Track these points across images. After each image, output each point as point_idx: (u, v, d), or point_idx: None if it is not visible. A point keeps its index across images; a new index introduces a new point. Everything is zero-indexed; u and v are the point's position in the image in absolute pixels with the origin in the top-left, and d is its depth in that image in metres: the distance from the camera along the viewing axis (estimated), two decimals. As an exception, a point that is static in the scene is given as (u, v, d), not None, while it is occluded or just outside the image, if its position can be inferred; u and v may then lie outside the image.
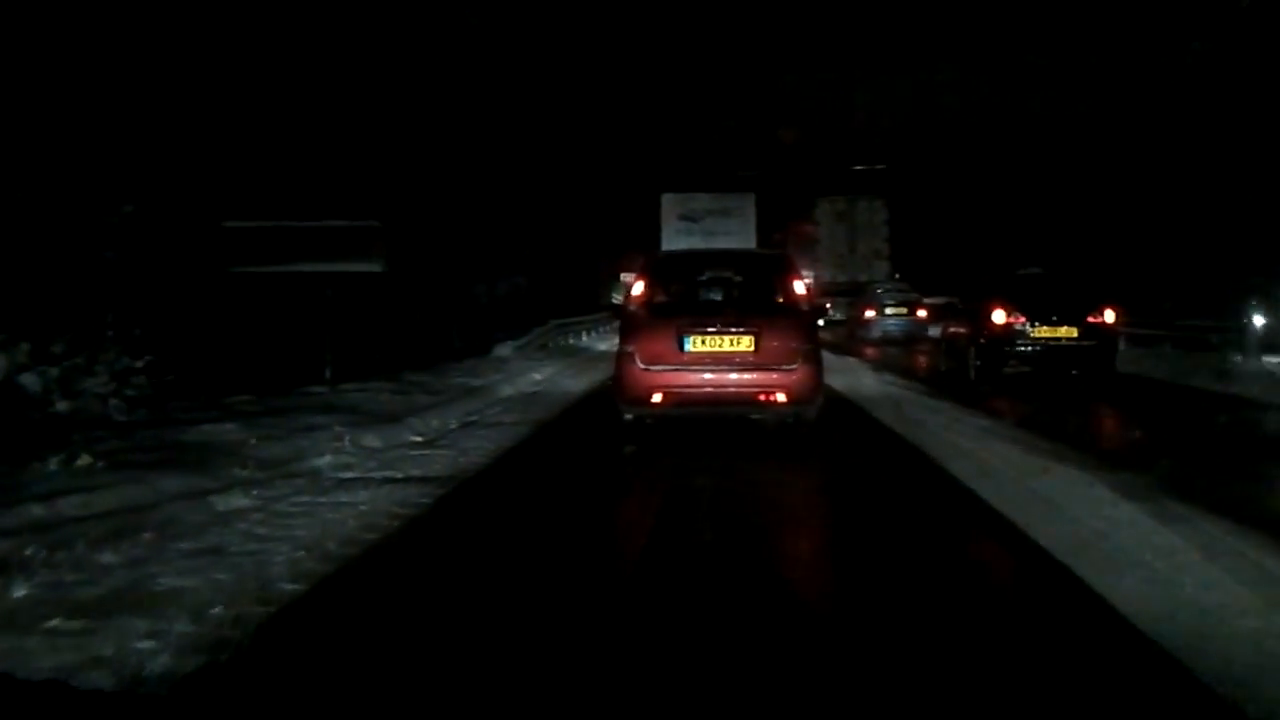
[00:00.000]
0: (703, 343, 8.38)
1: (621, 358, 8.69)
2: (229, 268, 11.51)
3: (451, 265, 20.20)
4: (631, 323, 8.86)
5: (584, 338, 25.63)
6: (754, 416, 8.89)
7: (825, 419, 9.03)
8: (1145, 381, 14.68)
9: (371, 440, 8.71)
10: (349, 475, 7.49)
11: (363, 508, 6.41)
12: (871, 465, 8.26)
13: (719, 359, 8.37)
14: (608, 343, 27.30)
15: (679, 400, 8.44)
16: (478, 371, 14.58)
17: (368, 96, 14.19)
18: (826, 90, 34.21)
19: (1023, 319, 13.87)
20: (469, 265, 24.43)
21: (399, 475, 7.53)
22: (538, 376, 15.13)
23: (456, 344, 20.17)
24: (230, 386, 11.11)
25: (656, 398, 8.41)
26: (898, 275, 30.19)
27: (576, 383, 15.02)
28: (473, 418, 10.74)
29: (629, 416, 8.74)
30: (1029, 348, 13.88)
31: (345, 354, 13.37)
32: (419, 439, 9.17)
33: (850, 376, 15.31)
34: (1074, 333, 13.75)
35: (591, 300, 38.08)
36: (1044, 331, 13.83)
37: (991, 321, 14.05)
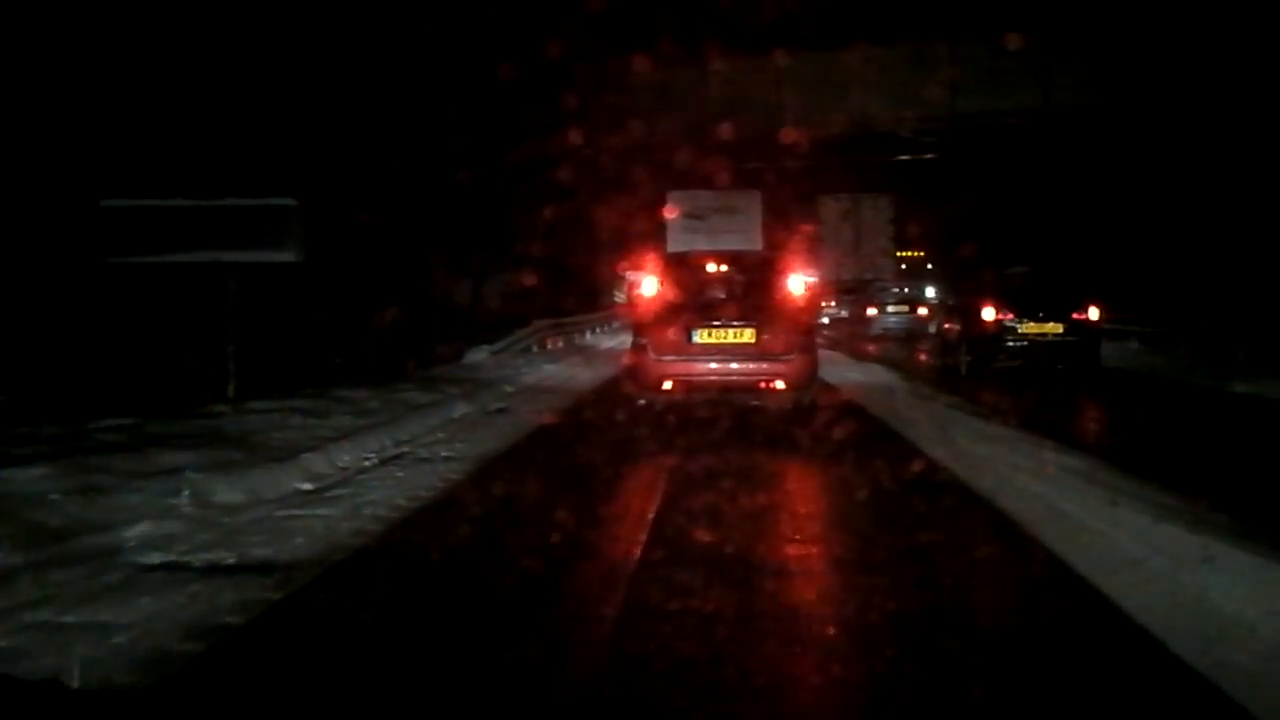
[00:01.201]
0: (709, 335, 8.78)
1: (636, 349, 9.14)
2: (107, 257, 8.80)
3: (417, 258, 17.46)
4: (644, 318, 9.20)
5: (576, 339, 22.79)
6: (753, 403, 9.08)
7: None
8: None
9: (230, 492, 5.98)
10: (154, 560, 4.77)
11: (119, 640, 3.69)
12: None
13: (724, 350, 8.78)
14: (607, 343, 24.71)
15: (688, 387, 8.89)
16: (436, 383, 11.83)
17: (287, 43, 11.29)
18: (828, 84, 31.64)
19: (1011, 316, 13.99)
20: (451, 260, 21.71)
21: (231, 559, 4.80)
22: (509, 389, 12.35)
23: (435, 348, 17.52)
24: (109, 406, 8.45)
25: (667, 384, 8.85)
26: (930, 267, 26.99)
27: (556, 396, 12.29)
28: (402, 448, 8.00)
29: (642, 402, 9.15)
30: (1017, 344, 13.97)
31: (265, 364, 10.70)
32: (308, 486, 6.43)
33: (861, 373, 14.49)
34: (1059, 329, 13.85)
35: (592, 299, 35.34)
36: (1031, 328, 13.92)
37: (981, 319, 14.18)
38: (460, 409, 10.14)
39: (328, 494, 6.26)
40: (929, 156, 30.43)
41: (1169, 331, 17.07)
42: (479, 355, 15.12)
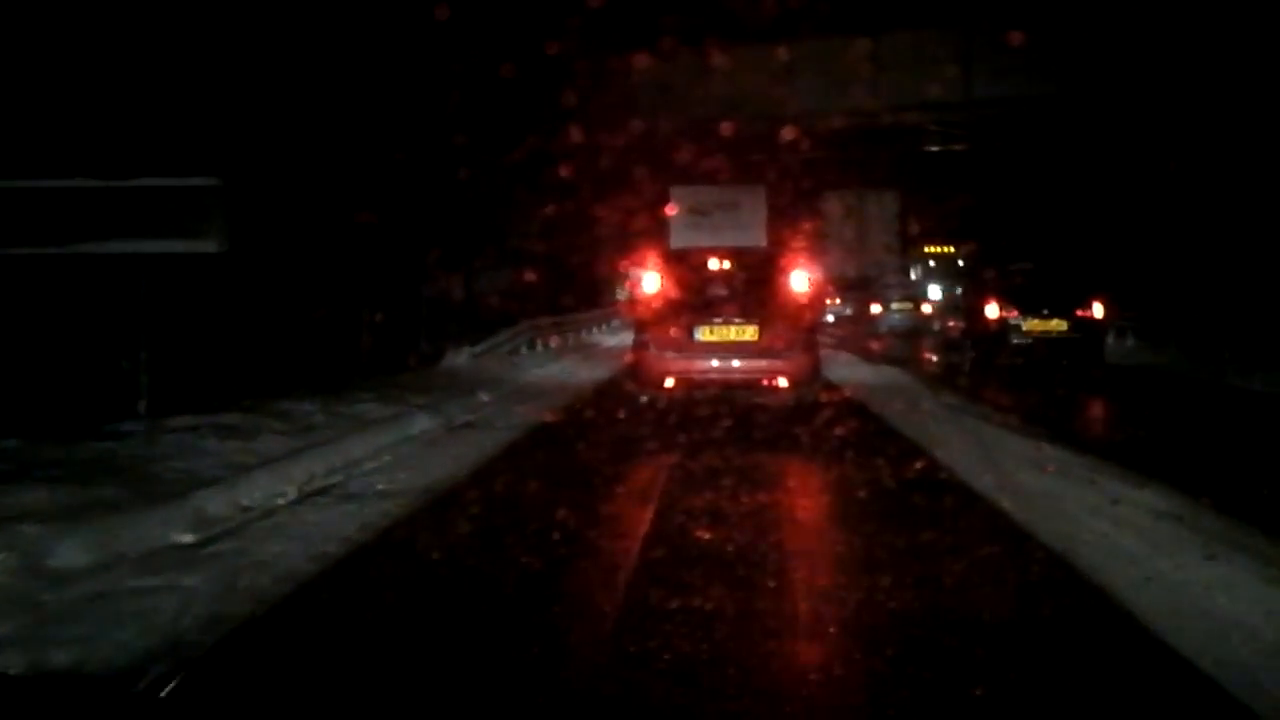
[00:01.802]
0: (711, 332, 8.57)
1: (638, 346, 8.94)
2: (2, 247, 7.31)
3: (405, 252, 15.97)
4: (646, 315, 8.96)
5: (571, 340, 21.25)
6: (757, 401, 8.80)
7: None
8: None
9: (74, 551, 4.48)
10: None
11: None
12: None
13: (726, 347, 8.55)
14: (607, 341, 23.32)
15: (690, 384, 8.69)
16: (403, 391, 10.30)
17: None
18: (834, 77, 30.22)
19: (1015, 313, 13.66)
20: (445, 255, 20.23)
21: (17, 666, 3.31)
22: (485, 397, 10.81)
23: (422, 349, 16.02)
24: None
25: (669, 382, 8.64)
26: (960, 264, 25.05)
27: (539, 406, 10.74)
28: (333, 478, 6.50)
29: (644, 399, 8.90)
30: (1021, 341, 13.61)
31: (217, 370, 9.26)
32: (187, 539, 4.93)
33: (874, 374, 13.75)
34: (1064, 326, 13.51)
35: (594, 296, 33.85)
36: (1035, 325, 13.58)
37: (985, 316, 13.90)
38: (420, 424, 8.63)
39: (207, 550, 4.76)
40: (958, 148, 28.94)
41: (1190, 330, 15.93)
42: (459, 358, 13.62)
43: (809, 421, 8.11)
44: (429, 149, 18.59)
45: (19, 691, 1.57)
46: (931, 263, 25.22)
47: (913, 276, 24.56)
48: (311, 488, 6.19)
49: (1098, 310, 13.72)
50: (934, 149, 30.59)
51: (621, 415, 9.64)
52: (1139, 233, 23.21)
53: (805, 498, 6.34)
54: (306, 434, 7.53)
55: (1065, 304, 13.64)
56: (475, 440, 8.15)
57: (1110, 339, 16.05)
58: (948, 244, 27.34)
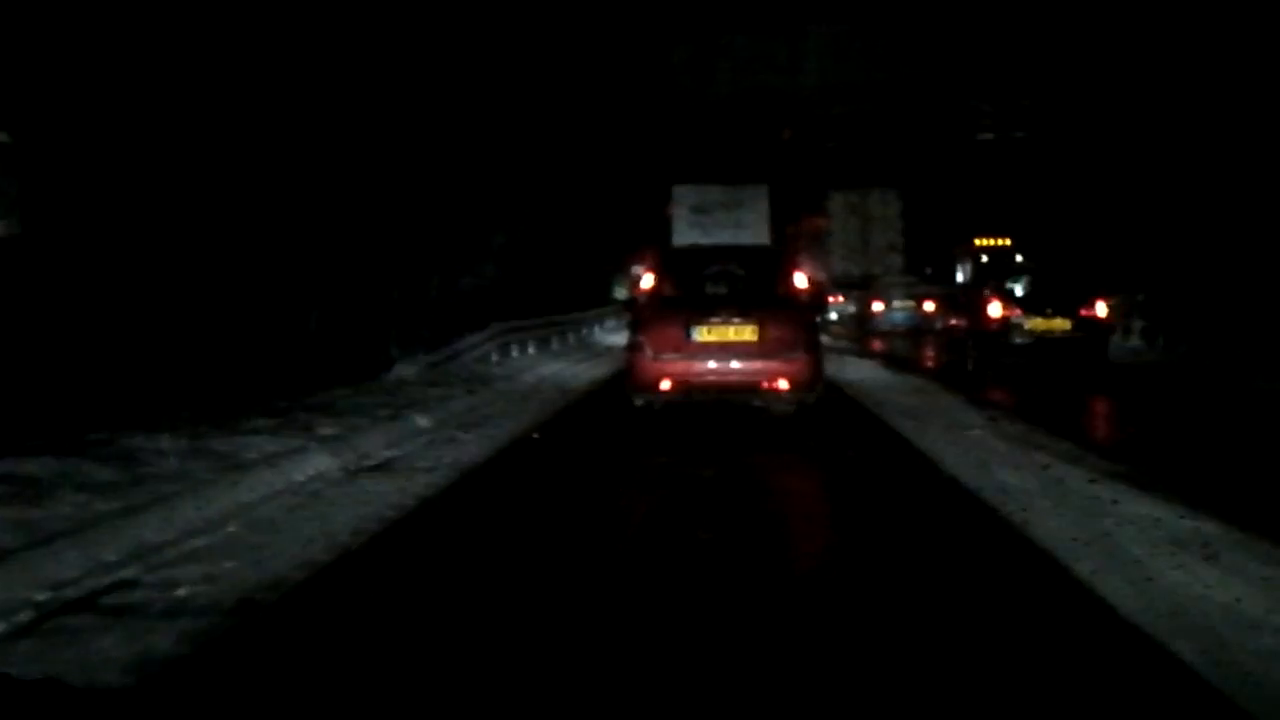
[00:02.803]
0: (709, 332, 8.20)
1: (632, 348, 8.50)
2: None
3: (349, 248, 13.86)
4: (641, 315, 8.64)
5: (555, 345, 18.97)
6: (756, 404, 8.43)
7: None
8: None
9: None
10: None
11: None
12: None
13: (725, 348, 8.17)
14: (607, 340, 21.63)
15: (687, 388, 8.27)
16: (315, 417, 8.03)
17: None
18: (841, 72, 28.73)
19: (1018, 311, 13.37)
20: (421, 251, 18.12)
21: None
22: (422, 422, 8.50)
23: (394, 353, 13.84)
24: None
25: (665, 385, 8.23)
26: (1019, 258, 22.56)
27: (489, 431, 8.50)
28: (126, 571, 4.25)
29: (639, 403, 8.45)
30: (1024, 340, 13.28)
31: (66, 392, 7.14)
32: None
33: (900, 385, 12.25)
34: (1067, 325, 13.23)
35: (591, 295, 31.83)
36: (1038, 324, 13.26)
37: (987, 315, 13.58)
38: (312, 465, 6.38)
39: None
40: (1019, 135, 27.72)
41: (1196, 329, 15.54)
42: (408, 369, 11.37)
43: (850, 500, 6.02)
44: (407, 137, 16.47)
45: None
46: (984, 258, 22.71)
47: (960, 277, 22.15)
48: (77, 592, 3.96)
49: (1101, 309, 13.42)
50: (988, 137, 29.37)
51: (596, 452, 7.52)
52: (1145, 230, 21.62)
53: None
54: (132, 489, 5.31)
55: (1069, 303, 13.26)
56: (377, 494, 5.84)
57: (1116, 338, 15.60)
58: (1000, 237, 24.90)
